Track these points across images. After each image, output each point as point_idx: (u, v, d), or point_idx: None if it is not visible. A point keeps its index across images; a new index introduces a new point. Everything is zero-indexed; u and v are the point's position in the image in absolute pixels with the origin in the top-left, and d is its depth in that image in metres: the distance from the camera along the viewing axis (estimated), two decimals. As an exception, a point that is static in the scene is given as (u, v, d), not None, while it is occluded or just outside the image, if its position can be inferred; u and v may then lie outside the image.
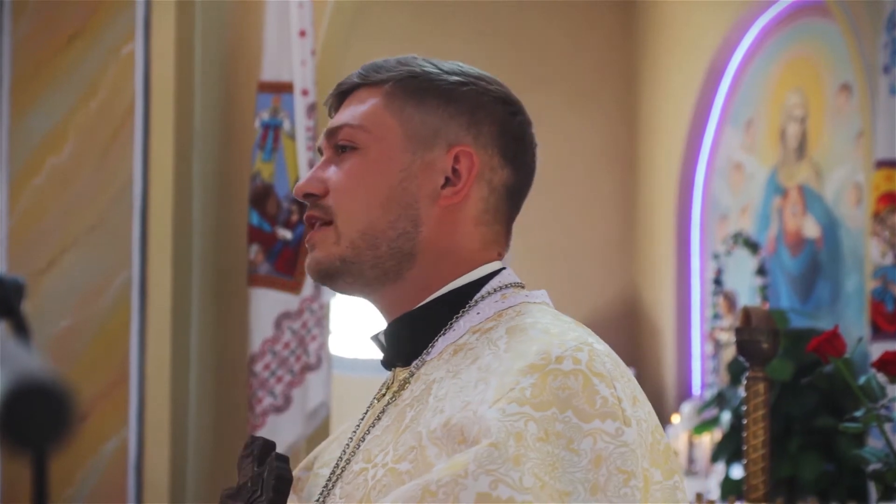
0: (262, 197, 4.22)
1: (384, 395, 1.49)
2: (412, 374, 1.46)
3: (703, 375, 7.04)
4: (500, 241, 1.51)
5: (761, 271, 6.53)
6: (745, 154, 6.85)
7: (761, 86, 6.71)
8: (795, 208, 6.43)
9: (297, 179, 4.20)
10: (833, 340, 2.20)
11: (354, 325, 7.73)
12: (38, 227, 4.15)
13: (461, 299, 1.47)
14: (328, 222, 1.48)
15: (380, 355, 1.52)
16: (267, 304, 4.18)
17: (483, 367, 1.37)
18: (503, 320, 1.43)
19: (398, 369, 1.49)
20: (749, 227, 6.74)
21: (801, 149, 6.43)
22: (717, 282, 6.88)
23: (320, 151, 1.53)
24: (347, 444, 1.50)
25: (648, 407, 1.39)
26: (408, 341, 1.48)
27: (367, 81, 1.51)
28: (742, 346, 2.32)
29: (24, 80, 4.17)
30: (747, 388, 2.34)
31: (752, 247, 6.60)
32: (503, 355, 1.37)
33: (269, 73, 4.24)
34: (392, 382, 1.49)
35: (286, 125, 4.22)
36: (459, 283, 1.47)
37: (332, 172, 1.49)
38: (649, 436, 1.35)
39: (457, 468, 1.27)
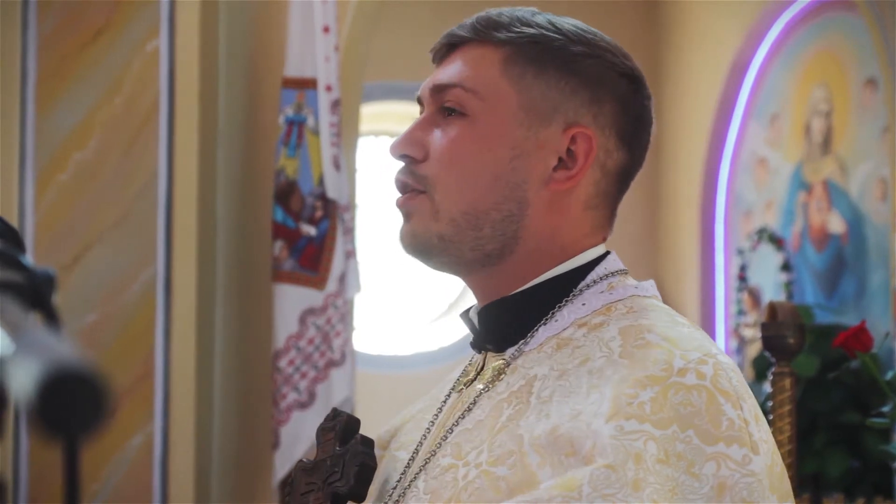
0: (286, 193, 4.23)
1: (473, 380, 1.39)
2: (508, 364, 1.35)
3: (727, 371, 7.01)
4: (606, 225, 1.40)
5: (786, 267, 6.51)
6: (769, 149, 6.83)
7: (786, 80, 6.69)
8: (820, 204, 6.41)
9: (320, 176, 4.20)
10: (860, 335, 2.20)
11: (378, 321, 7.74)
12: (64, 222, 4.17)
13: (565, 286, 1.35)
14: (421, 192, 1.35)
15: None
16: (291, 300, 4.19)
17: (595, 371, 1.25)
18: (613, 317, 1.32)
19: (490, 355, 1.38)
20: (774, 222, 6.72)
21: (826, 144, 6.40)
22: (742, 278, 6.86)
23: (419, 102, 1.41)
24: (428, 430, 1.41)
25: (766, 424, 1.26)
26: (504, 327, 1.37)
27: (482, 38, 1.36)
28: (768, 341, 2.31)
29: (50, 75, 4.18)
30: (773, 384, 2.33)
31: (777, 242, 6.58)
32: (618, 361, 1.25)
33: (292, 69, 4.25)
34: (483, 368, 1.39)
35: (310, 121, 4.23)
36: (563, 269, 1.36)
37: (436, 137, 1.35)
38: (769, 458, 1.24)
39: (570, 488, 1.17)
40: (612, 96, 1.36)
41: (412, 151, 1.35)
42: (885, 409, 2.20)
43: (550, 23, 1.37)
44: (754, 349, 6.42)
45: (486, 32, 1.36)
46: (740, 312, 6.87)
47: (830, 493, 5.10)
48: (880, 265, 5.92)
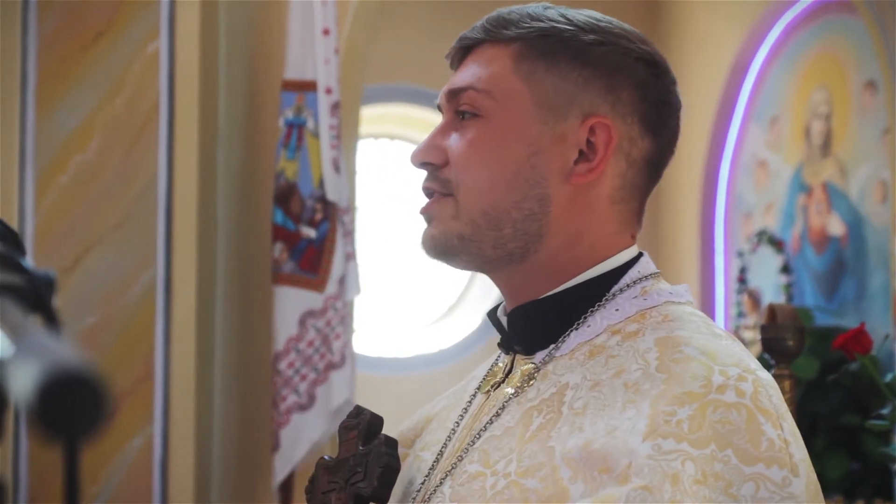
0: (286, 195, 4.23)
1: (501, 382, 1.35)
2: (538, 369, 1.32)
3: (727, 374, 7.00)
4: (635, 219, 1.37)
5: (786, 269, 6.51)
6: (769, 151, 6.83)
7: (786, 83, 6.69)
8: (820, 206, 6.41)
9: (320, 178, 4.20)
10: (859, 337, 2.20)
11: (378, 323, 7.73)
12: (64, 224, 4.17)
13: (597, 290, 1.32)
14: (447, 195, 1.33)
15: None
16: (291, 302, 4.19)
17: (631, 385, 1.23)
18: (648, 325, 1.29)
19: (520, 357, 1.35)
20: (773, 224, 6.72)
21: (826, 146, 6.40)
22: (742, 280, 6.86)
23: (439, 109, 1.38)
24: (453, 430, 1.38)
25: (801, 441, 1.24)
26: (534, 330, 1.33)
27: (493, 37, 1.34)
28: (767, 343, 2.31)
29: (50, 77, 4.19)
30: (773, 386, 2.33)
31: (777, 244, 6.58)
32: (655, 375, 1.22)
33: (292, 72, 4.25)
34: (511, 370, 1.35)
35: (310, 123, 4.23)
36: (596, 272, 1.33)
37: (453, 141, 1.33)
38: (808, 478, 1.22)
39: None
40: (630, 83, 1.33)
41: (432, 158, 1.34)
42: (885, 411, 2.21)
43: (562, 15, 1.34)
44: (754, 351, 6.41)
45: (496, 32, 1.34)
46: (740, 314, 6.87)
47: (830, 495, 5.10)
48: (880, 267, 5.92)
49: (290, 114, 4.26)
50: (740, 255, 6.90)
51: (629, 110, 1.33)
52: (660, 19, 7.72)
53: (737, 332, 6.89)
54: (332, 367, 4.20)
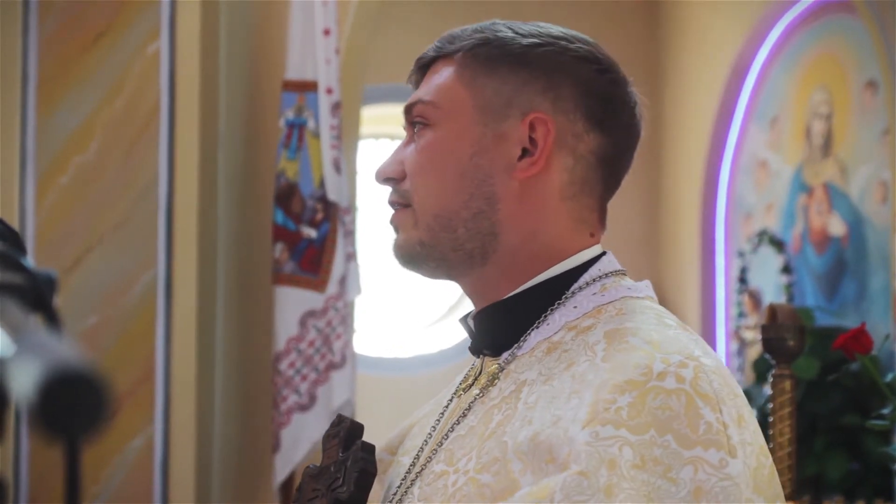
0: (286, 195, 4.23)
1: (471, 385, 1.40)
2: (502, 369, 1.36)
3: (727, 374, 7.00)
4: (592, 217, 1.38)
5: (786, 269, 6.51)
6: (770, 152, 6.83)
7: (786, 83, 6.69)
8: (821, 206, 6.41)
9: (321, 178, 4.20)
10: (860, 337, 2.20)
11: (379, 323, 7.74)
12: (65, 225, 4.17)
13: (558, 289, 1.35)
14: (406, 205, 1.39)
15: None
16: (292, 303, 4.19)
17: (577, 376, 1.26)
18: (602, 320, 1.31)
19: (487, 359, 1.40)
20: (774, 225, 6.72)
21: (827, 146, 6.41)
22: (742, 280, 6.86)
23: (404, 128, 1.44)
24: (429, 435, 1.42)
25: (754, 425, 1.26)
26: (498, 331, 1.38)
27: (441, 53, 1.40)
28: (768, 343, 2.31)
29: (51, 78, 4.19)
30: (773, 386, 2.33)
31: (778, 245, 6.58)
32: (600, 365, 1.25)
33: (293, 72, 4.25)
34: (480, 373, 1.40)
35: (311, 124, 4.23)
36: (556, 270, 1.36)
37: (409, 152, 1.40)
38: (754, 460, 1.23)
39: (542, 496, 1.18)
40: (571, 80, 1.36)
41: (391, 173, 1.40)
42: (885, 411, 2.21)
43: (507, 26, 1.39)
44: (755, 351, 6.42)
45: (444, 47, 1.40)
46: (741, 315, 6.87)
47: (831, 495, 5.10)
48: (880, 268, 5.92)
49: (290, 114, 4.26)
50: (741, 255, 6.90)
51: (571, 106, 1.36)
52: (660, 19, 7.72)
53: (737, 333, 6.90)
54: (332, 367, 4.20)
